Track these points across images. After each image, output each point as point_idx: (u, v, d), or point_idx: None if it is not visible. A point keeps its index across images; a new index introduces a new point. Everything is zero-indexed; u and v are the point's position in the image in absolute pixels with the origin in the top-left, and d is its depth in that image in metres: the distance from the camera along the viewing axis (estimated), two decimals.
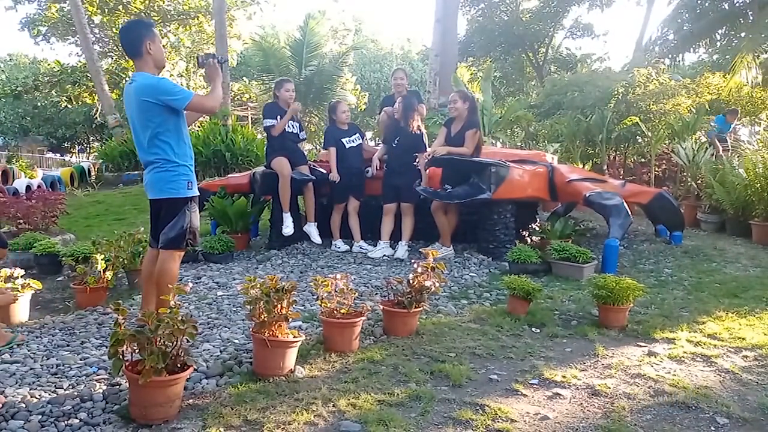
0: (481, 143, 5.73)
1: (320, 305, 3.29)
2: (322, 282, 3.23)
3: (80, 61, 19.71)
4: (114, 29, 19.21)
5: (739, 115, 10.90)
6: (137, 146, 3.37)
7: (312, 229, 6.09)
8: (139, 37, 3.23)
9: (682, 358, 3.22)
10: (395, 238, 5.84)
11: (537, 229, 5.99)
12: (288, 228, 5.84)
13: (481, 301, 4.34)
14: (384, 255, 5.70)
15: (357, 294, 3.83)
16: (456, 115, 5.64)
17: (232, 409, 2.45)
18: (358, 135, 6.22)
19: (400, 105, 5.86)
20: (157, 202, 3.34)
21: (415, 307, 3.50)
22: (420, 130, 5.82)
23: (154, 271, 3.32)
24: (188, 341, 2.44)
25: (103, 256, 4.26)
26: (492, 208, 5.65)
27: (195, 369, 2.76)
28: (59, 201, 7.02)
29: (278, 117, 5.86)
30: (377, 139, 8.28)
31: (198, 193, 3.40)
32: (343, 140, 6.08)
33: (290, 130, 5.96)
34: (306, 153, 6.21)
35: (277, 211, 6.00)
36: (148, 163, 3.31)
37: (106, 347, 2.79)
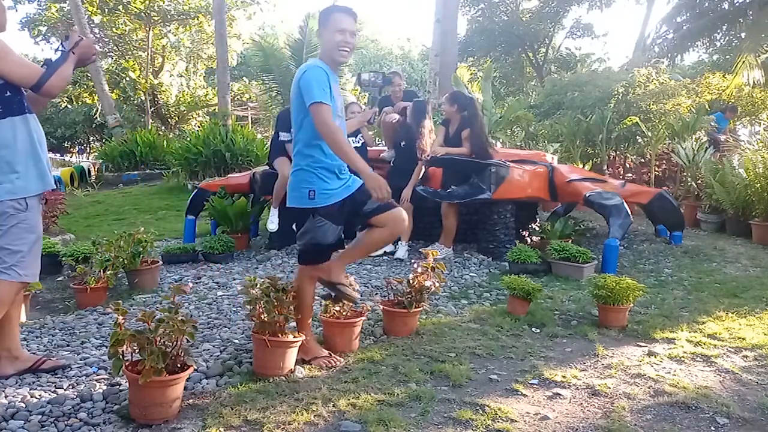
0: (486, 141, 5.73)
1: (320, 305, 3.29)
2: None
3: None
4: (114, 29, 19.19)
5: (738, 113, 10.88)
6: None
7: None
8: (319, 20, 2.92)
9: (682, 358, 3.22)
10: None
11: (537, 229, 5.99)
12: (273, 224, 5.91)
13: (481, 301, 4.34)
14: (385, 254, 5.70)
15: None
16: (448, 118, 5.70)
17: (232, 409, 2.45)
18: (360, 136, 6.24)
19: (411, 110, 5.86)
20: None
21: (415, 307, 3.49)
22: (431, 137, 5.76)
23: None
24: (188, 341, 2.44)
25: (102, 256, 4.26)
26: (492, 208, 5.65)
27: (195, 369, 2.76)
28: (59, 201, 7.00)
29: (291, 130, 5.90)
30: (377, 139, 8.26)
31: (324, 204, 2.89)
32: (350, 139, 6.11)
33: None
34: None
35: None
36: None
37: (106, 347, 2.79)
